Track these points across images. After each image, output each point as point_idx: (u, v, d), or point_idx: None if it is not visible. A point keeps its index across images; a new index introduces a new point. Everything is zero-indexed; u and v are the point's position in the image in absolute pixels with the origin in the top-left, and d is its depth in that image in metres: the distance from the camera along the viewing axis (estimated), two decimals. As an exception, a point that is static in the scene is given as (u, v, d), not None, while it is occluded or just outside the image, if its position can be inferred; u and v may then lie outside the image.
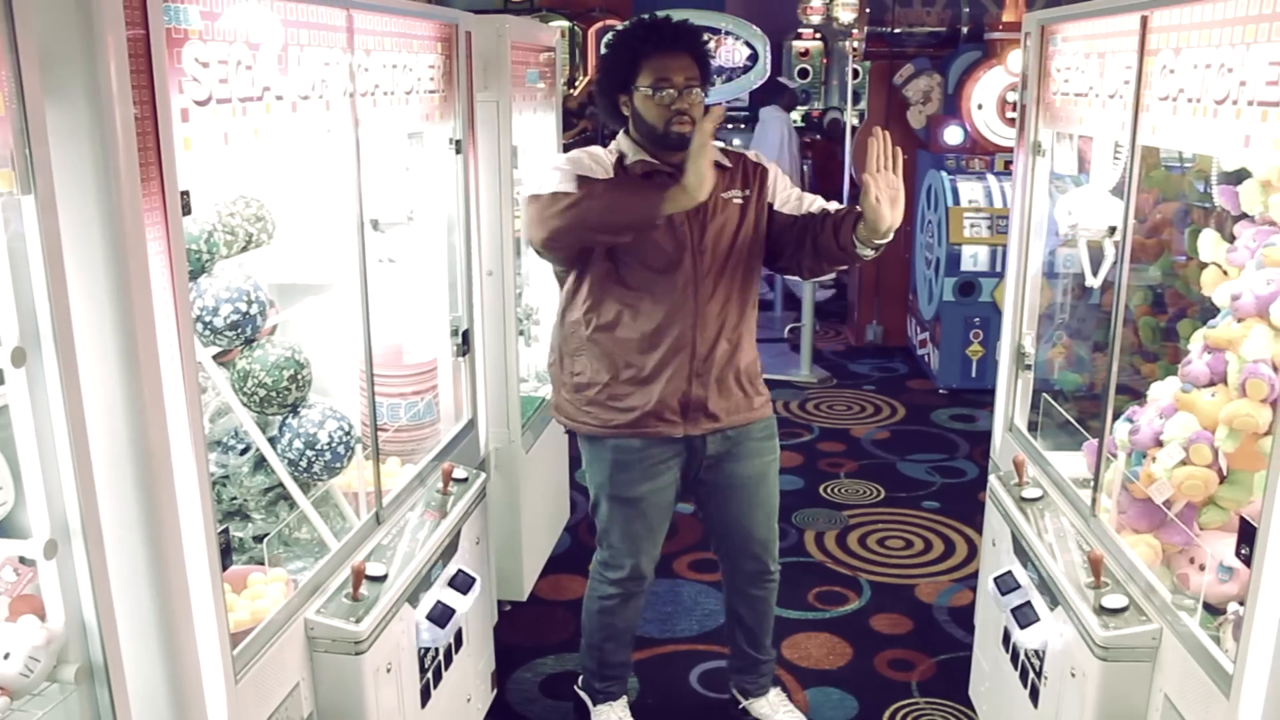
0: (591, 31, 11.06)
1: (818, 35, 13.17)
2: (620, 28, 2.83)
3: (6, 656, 1.51)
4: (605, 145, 2.81)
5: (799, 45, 13.36)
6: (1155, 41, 2.32)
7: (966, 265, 6.32)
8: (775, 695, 3.25)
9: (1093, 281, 3.15)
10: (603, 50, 2.84)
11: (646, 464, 2.82)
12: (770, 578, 3.09)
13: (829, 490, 5.06)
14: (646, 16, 2.75)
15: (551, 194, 2.60)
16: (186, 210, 1.81)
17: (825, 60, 13.58)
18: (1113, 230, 3.01)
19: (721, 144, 2.84)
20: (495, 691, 3.30)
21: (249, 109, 2.00)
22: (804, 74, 13.38)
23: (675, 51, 2.67)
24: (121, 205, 1.62)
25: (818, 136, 11.65)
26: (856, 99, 8.93)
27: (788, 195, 2.86)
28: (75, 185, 1.58)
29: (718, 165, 2.67)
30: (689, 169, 2.45)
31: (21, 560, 1.60)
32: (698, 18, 7.05)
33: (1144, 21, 2.35)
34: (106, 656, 1.63)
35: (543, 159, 2.62)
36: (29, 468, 1.54)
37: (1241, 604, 2.01)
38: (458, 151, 3.12)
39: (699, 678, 3.51)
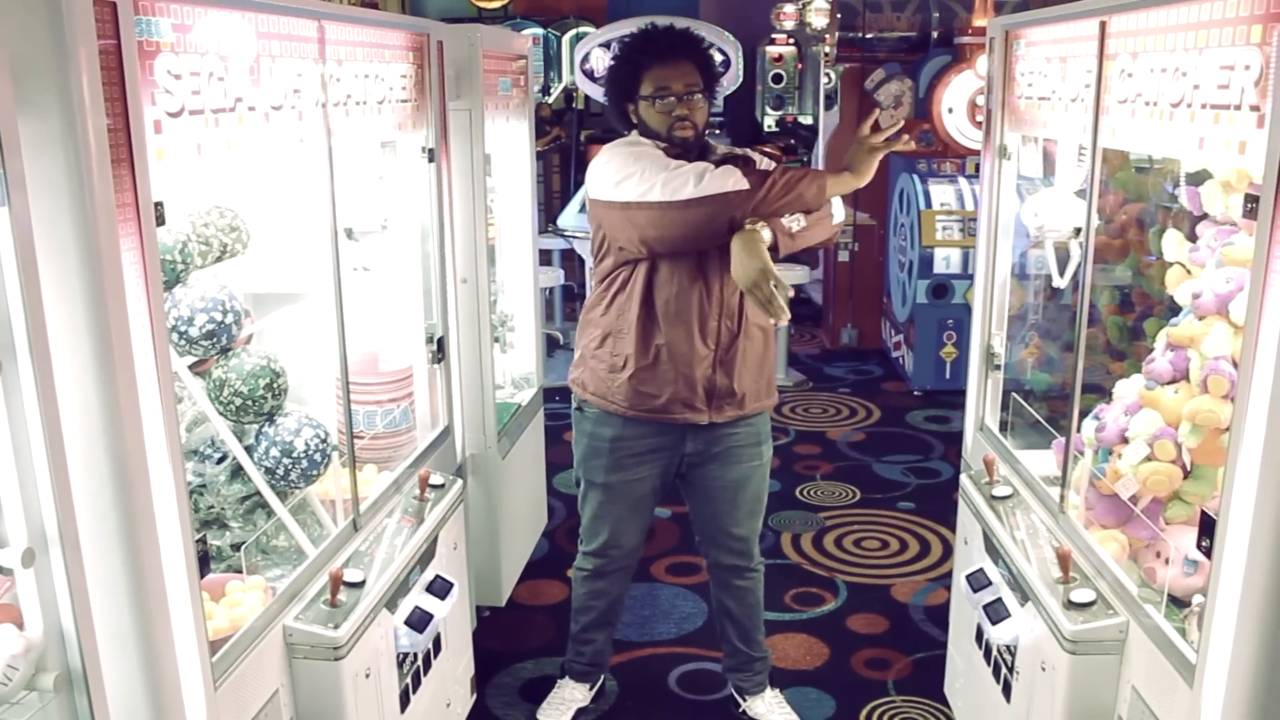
0: (565, 38, 11.09)
1: (791, 41, 13.24)
2: (625, 38, 2.92)
3: (-15, 665, 1.52)
4: (581, 150, 2.92)
5: (773, 51, 13.42)
6: (1114, 46, 2.37)
7: (939, 268, 6.38)
8: (772, 695, 3.29)
9: (1060, 282, 3.20)
10: (610, 61, 2.99)
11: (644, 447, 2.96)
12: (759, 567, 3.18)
13: (805, 492, 5.10)
14: (648, 26, 2.87)
15: (737, 190, 2.62)
16: (160, 221, 1.82)
17: (799, 65, 13.65)
18: (1078, 231, 3.06)
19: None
20: (475, 696, 3.32)
21: (222, 120, 2.02)
22: (778, 79, 13.44)
23: (674, 60, 2.78)
24: (95, 216, 1.64)
25: (790, 142, 11.71)
26: (830, 103, 9.00)
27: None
28: (48, 197, 1.59)
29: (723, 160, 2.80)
30: (866, 163, 2.76)
31: (-1, 569, 1.60)
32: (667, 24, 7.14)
33: (1103, 27, 2.40)
34: (85, 664, 1.64)
35: (606, 172, 2.60)
36: (4, 477, 1.55)
37: (1206, 595, 2.05)
38: (430, 160, 3.14)
39: (678, 680, 3.54)
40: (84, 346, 1.67)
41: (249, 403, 2.57)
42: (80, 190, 1.61)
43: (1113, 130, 2.40)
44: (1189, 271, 2.72)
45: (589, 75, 7.03)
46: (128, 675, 1.81)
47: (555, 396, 4.98)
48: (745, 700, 3.28)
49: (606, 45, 6.98)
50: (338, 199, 2.56)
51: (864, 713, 3.35)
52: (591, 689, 3.34)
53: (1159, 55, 2.16)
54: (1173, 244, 2.80)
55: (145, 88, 1.77)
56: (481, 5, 11.47)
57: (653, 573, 4.25)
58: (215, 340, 2.51)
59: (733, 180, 2.61)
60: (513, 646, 3.71)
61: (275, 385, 2.61)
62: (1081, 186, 3.06)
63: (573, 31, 10.84)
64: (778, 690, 3.33)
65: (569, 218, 6.94)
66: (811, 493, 5.11)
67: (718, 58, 6.90)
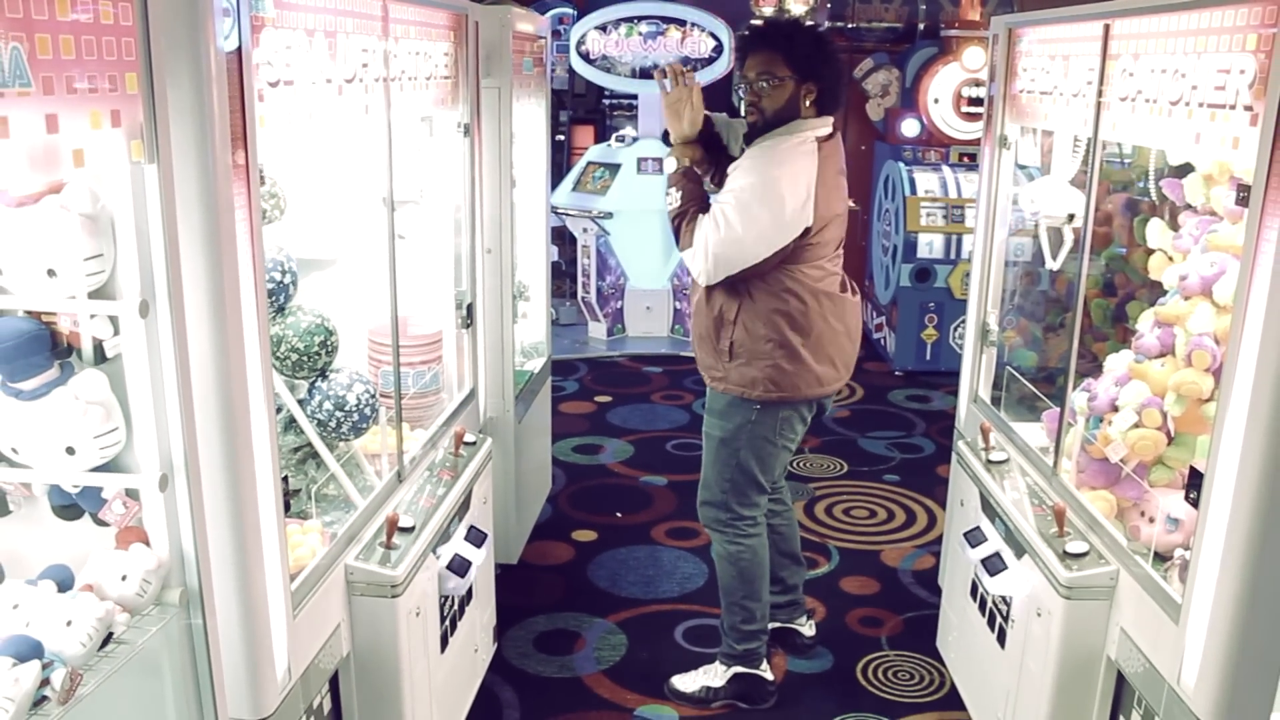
0: (544, 18, 11.18)
1: (770, 28, 13.42)
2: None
3: (124, 578, 1.69)
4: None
5: (752, 36, 13.60)
6: (1116, 47, 2.59)
7: (923, 252, 6.62)
8: (713, 668, 3.39)
9: (1053, 265, 3.43)
10: None
11: None
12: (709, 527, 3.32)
13: (795, 464, 5.33)
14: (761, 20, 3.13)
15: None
16: (261, 181, 1.99)
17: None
18: (1071, 217, 3.29)
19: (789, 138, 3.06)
20: (495, 645, 3.51)
21: (307, 91, 2.18)
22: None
23: (754, 50, 3.03)
24: (216, 174, 1.80)
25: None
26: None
27: (718, 194, 3.07)
28: (179, 157, 1.76)
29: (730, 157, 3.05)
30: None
31: (128, 493, 1.77)
32: (659, 9, 7.28)
33: (1106, 29, 2.62)
34: (201, 584, 1.82)
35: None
36: (141, 411, 1.72)
37: (1187, 549, 2.29)
38: (465, 135, 3.31)
39: (683, 634, 3.75)
40: (202, 290, 1.83)
41: (304, 358, 2.74)
42: (206, 151, 1.78)
43: (1113, 124, 2.62)
44: (1171, 258, 2.95)
45: (584, 57, 7.17)
46: (225, 598, 1.98)
47: (553, 369, 5.16)
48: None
49: (603, 28, 7.12)
50: (382, 170, 2.72)
51: (860, 665, 3.58)
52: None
53: (1160, 57, 2.37)
54: (1156, 232, 3.02)
55: (253, 59, 1.93)
56: (465, -17, 11.55)
57: (654, 536, 4.46)
58: (274, 299, 2.67)
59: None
60: (525, 602, 3.91)
61: (329, 342, 2.78)
62: (1075, 175, 3.30)
63: (552, 13, 10.97)
64: (718, 667, 3.38)
65: (562, 196, 7.09)
66: (802, 465, 5.33)
67: (709, 42, 7.07)
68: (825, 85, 3.02)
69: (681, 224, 3.01)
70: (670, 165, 3.09)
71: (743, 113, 3.07)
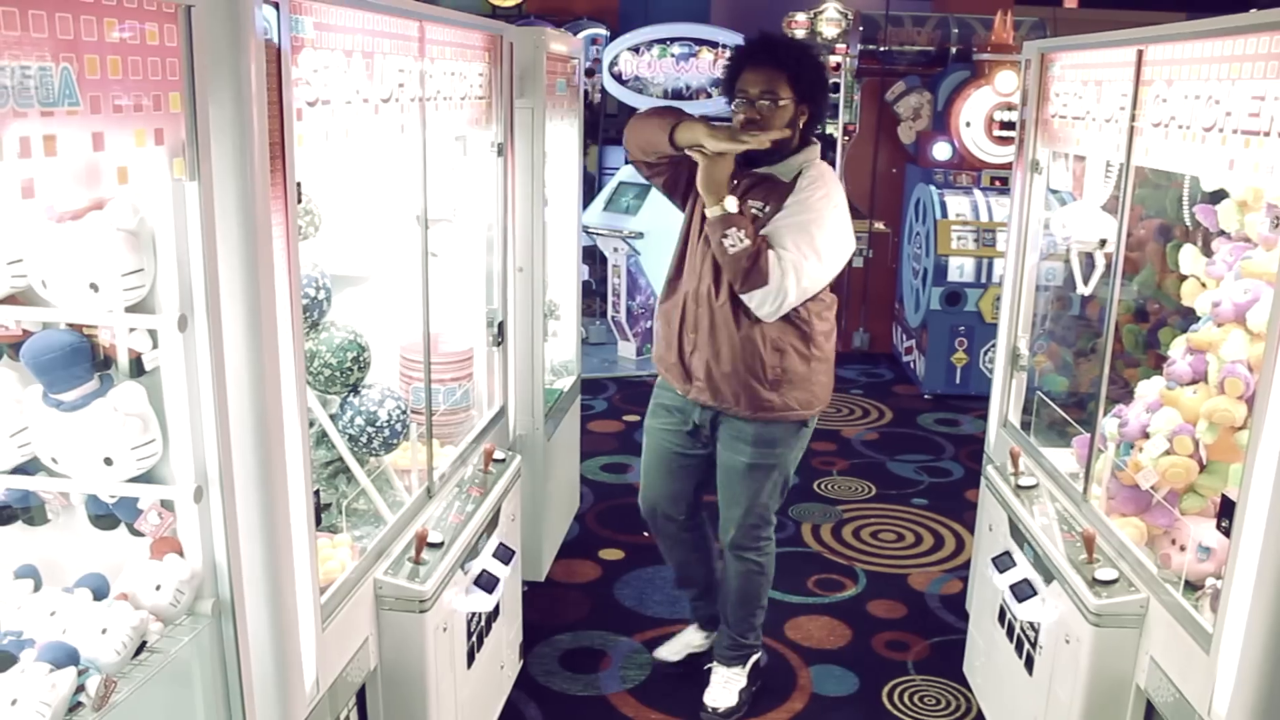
0: (577, 39, 11.27)
1: (803, 50, 13.44)
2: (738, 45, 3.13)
3: (158, 588, 1.72)
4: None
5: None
6: (1149, 73, 2.59)
7: (953, 276, 6.60)
8: (730, 671, 3.43)
9: (1084, 289, 3.42)
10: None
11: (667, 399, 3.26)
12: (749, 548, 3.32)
13: (823, 486, 5.32)
14: (760, 33, 3.05)
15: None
16: (299, 198, 2.02)
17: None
18: (1103, 242, 3.28)
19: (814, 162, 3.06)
20: (521, 662, 3.52)
21: (343, 110, 2.22)
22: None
23: (760, 65, 2.96)
24: (255, 192, 1.83)
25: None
26: (835, 112, 9.17)
27: (776, 224, 2.95)
28: (219, 174, 1.79)
29: (768, 178, 3.00)
30: (712, 139, 2.85)
31: (163, 505, 1.80)
32: (692, 31, 7.33)
33: (1140, 55, 2.62)
34: (233, 595, 1.84)
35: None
36: (177, 423, 1.75)
37: (1218, 579, 2.27)
38: (499, 154, 3.34)
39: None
40: (239, 304, 1.85)
41: (337, 374, 2.77)
42: (245, 169, 1.81)
43: (1145, 150, 2.62)
44: (1204, 284, 2.93)
45: (617, 78, 7.22)
46: (255, 609, 2.00)
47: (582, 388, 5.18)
48: (713, 661, 3.50)
49: (636, 49, 7.17)
50: (416, 188, 2.76)
51: (885, 690, 3.56)
52: (708, 637, 3.62)
53: (1194, 83, 2.37)
54: (1189, 258, 3.01)
55: (291, 79, 1.97)
56: (496, 3, 11.70)
57: (680, 556, 4.45)
58: (308, 315, 2.70)
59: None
60: (551, 620, 3.91)
61: (361, 358, 2.81)
62: (1107, 201, 3.29)
63: (585, 33, 11.06)
64: (742, 669, 3.44)
65: (593, 216, 7.13)
66: (829, 487, 5.32)
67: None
68: (817, 111, 3.05)
69: (754, 263, 2.87)
70: (718, 210, 2.91)
71: (734, 124, 2.98)
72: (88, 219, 1.67)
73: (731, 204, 2.89)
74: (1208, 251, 2.96)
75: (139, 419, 1.74)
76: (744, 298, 2.93)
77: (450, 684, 2.70)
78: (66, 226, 1.67)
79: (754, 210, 2.97)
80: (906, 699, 3.51)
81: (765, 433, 3.11)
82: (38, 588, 1.85)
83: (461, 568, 2.74)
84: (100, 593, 1.77)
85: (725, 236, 2.87)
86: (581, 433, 4.84)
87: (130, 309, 1.71)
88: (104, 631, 1.62)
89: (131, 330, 1.75)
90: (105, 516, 1.88)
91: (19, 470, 1.83)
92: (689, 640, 3.63)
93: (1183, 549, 2.58)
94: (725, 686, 3.41)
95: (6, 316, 1.78)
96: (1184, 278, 3.02)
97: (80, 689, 1.54)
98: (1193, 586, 2.48)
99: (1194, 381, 2.72)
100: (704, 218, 2.95)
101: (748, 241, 2.87)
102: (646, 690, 3.51)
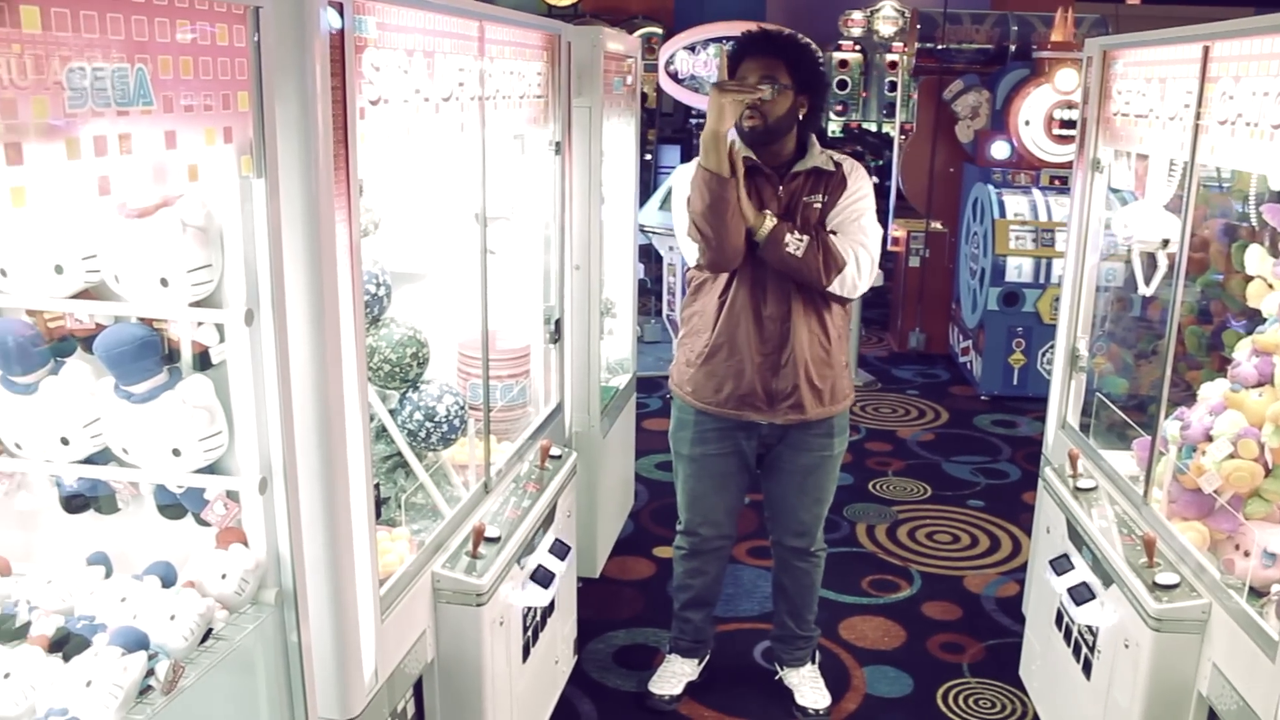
0: (634, 38, 11.31)
1: (857, 47, 13.37)
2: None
3: (224, 576, 1.76)
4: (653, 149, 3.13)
5: (838, 56, 13.56)
6: (1215, 70, 2.54)
7: (1011, 276, 6.53)
8: (809, 670, 3.48)
9: (1145, 290, 3.36)
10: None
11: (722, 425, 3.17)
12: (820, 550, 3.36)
13: (878, 486, 5.28)
14: (759, 27, 3.04)
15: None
16: (360, 194, 2.06)
17: (864, 73, 13.76)
18: (1166, 242, 3.23)
19: (832, 152, 3.07)
20: (575, 658, 3.54)
21: (404, 109, 2.25)
22: (843, 85, 13.58)
23: (760, 55, 2.94)
24: (319, 189, 1.87)
25: (858, 148, 11.86)
26: (891, 111, 9.09)
27: (844, 216, 2.99)
28: (285, 172, 1.83)
29: (818, 170, 2.99)
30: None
31: (229, 495, 1.84)
32: (737, 28, 7.31)
33: (1205, 51, 2.57)
34: (296, 585, 1.88)
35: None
36: (243, 416, 1.79)
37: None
38: (556, 153, 3.37)
39: (762, 653, 3.74)
40: (303, 299, 1.89)
41: (396, 369, 2.81)
42: (310, 167, 1.85)
43: (1211, 148, 2.57)
44: (1270, 285, 2.87)
45: (673, 77, 7.22)
46: (317, 599, 2.04)
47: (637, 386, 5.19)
48: (782, 670, 3.50)
49: (691, 48, 7.17)
50: (475, 186, 2.79)
51: (940, 691, 3.53)
52: (700, 664, 3.54)
53: (1261, 79, 2.32)
54: (1255, 258, 2.95)
55: (355, 78, 2.00)
56: (552, 2, 11.77)
57: (734, 555, 4.43)
58: (368, 311, 2.74)
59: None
60: (605, 616, 3.93)
61: (420, 354, 2.84)
62: (1170, 200, 3.23)
63: (641, 32, 11.07)
64: (816, 666, 3.51)
65: (648, 214, 7.14)
66: (884, 487, 5.29)
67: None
68: (817, 103, 3.02)
69: (826, 250, 2.89)
70: (769, 224, 2.91)
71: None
72: (158, 216, 1.71)
73: (771, 218, 2.91)
74: (1275, 252, 2.90)
75: (206, 411, 1.78)
76: (833, 288, 2.94)
77: (506, 677, 2.73)
78: (138, 223, 1.71)
79: (815, 204, 2.99)
80: (961, 701, 3.48)
81: (842, 420, 3.20)
82: (108, 574, 1.90)
83: (518, 562, 2.77)
84: (168, 580, 1.81)
85: (786, 245, 2.88)
86: (636, 430, 4.85)
87: (198, 304, 1.75)
88: (172, 618, 1.66)
89: (199, 324, 1.79)
90: (173, 506, 1.92)
91: (90, 460, 1.88)
92: (679, 670, 3.50)
93: (1247, 554, 2.53)
94: (815, 685, 3.45)
95: (81, 311, 1.83)
96: (1250, 278, 2.97)
97: (150, 673, 1.58)
98: (1257, 593, 2.43)
99: (1259, 384, 2.67)
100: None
101: (806, 237, 2.89)
102: (698, 688, 3.51)
